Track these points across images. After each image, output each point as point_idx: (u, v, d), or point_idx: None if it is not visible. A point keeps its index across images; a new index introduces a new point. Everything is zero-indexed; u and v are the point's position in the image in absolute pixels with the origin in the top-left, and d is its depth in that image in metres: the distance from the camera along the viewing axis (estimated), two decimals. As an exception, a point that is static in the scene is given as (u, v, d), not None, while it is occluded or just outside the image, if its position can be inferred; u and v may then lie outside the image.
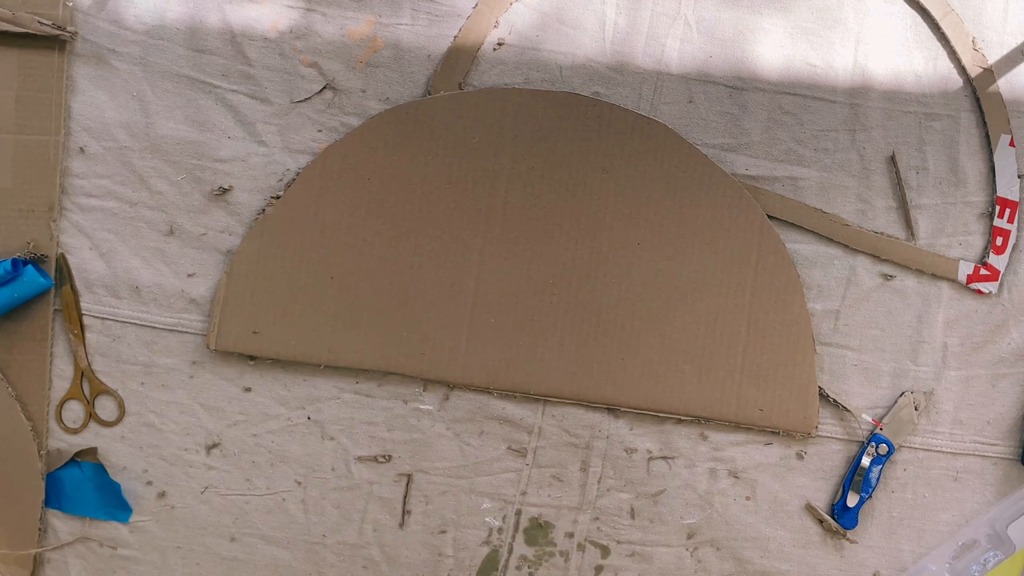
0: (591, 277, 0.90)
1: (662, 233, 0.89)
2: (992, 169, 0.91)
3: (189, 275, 0.90)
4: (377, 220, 0.89)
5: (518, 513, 0.93)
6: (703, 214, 0.89)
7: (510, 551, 0.94)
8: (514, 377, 0.90)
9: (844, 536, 0.93)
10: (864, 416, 0.92)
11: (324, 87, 0.89)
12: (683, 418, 0.91)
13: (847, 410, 0.91)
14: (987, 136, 0.90)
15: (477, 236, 0.89)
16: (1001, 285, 0.91)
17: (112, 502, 0.92)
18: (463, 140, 0.89)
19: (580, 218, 0.89)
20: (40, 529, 0.91)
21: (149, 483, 0.93)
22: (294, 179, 0.89)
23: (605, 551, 0.94)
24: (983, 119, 0.90)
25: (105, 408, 0.91)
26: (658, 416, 0.91)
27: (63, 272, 0.90)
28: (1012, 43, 0.90)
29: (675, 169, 0.89)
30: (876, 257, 0.91)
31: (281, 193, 0.89)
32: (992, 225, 0.91)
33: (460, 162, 0.89)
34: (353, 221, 0.89)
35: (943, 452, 0.93)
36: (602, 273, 0.90)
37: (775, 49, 0.90)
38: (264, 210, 0.89)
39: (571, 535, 0.94)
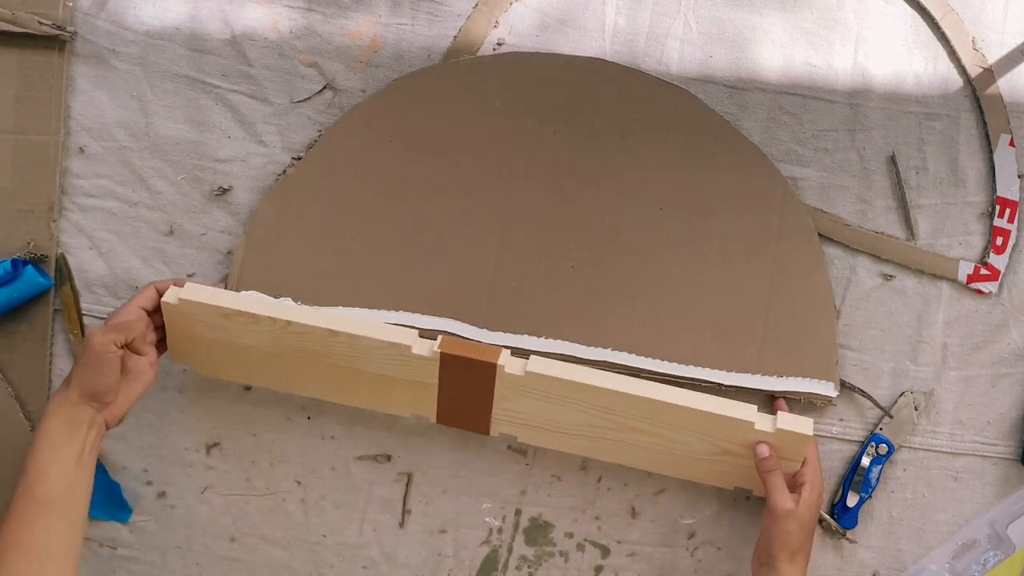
0: (613, 242, 0.89)
1: (684, 199, 0.89)
2: (992, 169, 0.90)
3: (189, 275, 0.90)
4: (398, 182, 0.89)
5: (518, 513, 0.93)
6: (725, 180, 0.89)
7: (510, 551, 0.94)
8: (534, 341, 0.89)
9: (844, 536, 0.93)
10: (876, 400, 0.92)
11: (324, 87, 0.89)
12: (704, 385, 0.90)
13: (865, 395, 0.91)
14: (987, 136, 0.90)
15: (499, 200, 0.89)
16: (1001, 285, 0.91)
17: (112, 502, 0.92)
18: (486, 104, 0.88)
19: (602, 183, 0.89)
20: (40, 529, 0.91)
21: (149, 483, 0.93)
22: (316, 140, 0.89)
23: (605, 551, 0.94)
24: (983, 119, 0.90)
25: (105, 408, 0.91)
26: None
27: (63, 272, 0.90)
28: (1012, 43, 0.90)
29: (698, 135, 0.89)
30: (876, 257, 0.91)
31: (302, 154, 0.89)
32: (992, 225, 0.91)
33: (483, 126, 0.89)
34: (374, 183, 0.89)
35: (943, 452, 0.93)
36: (624, 238, 0.89)
37: (775, 49, 0.90)
38: (285, 171, 0.89)
39: (571, 535, 0.94)
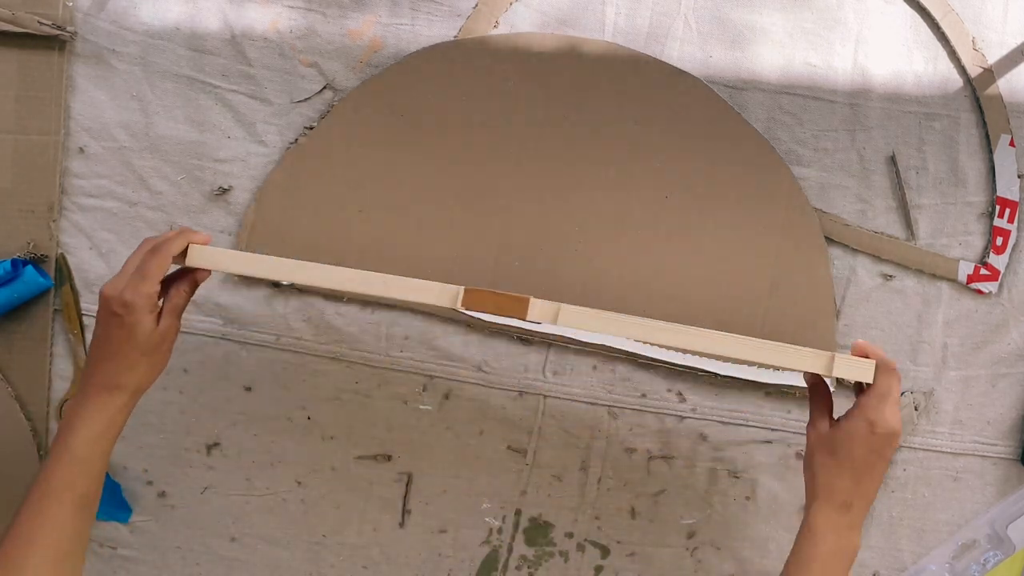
0: (617, 228, 0.90)
1: (691, 188, 0.89)
2: (992, 169, 0.91)
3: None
4: (408, 157, 0.89)
5: (518, 513, 0.93)
6: (732, 172, 0.89)
7: (510, 551, 0.94)
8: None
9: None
10: None
11: (324, 87, 0.89)
12: (700, 374, 0.90)
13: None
14: (987, 136, 0.90)
15: (506, 179, 0.90)
16: (1001, 285, 0.91)
17: (112, 502, 0.92)
18: (497, 83, 0.89)
19: (609, 168, 0.89)
20: (40, 529, 0.91)
21: (149, 483, 0.93)
22: (328, 110, 0.89)
23: (605, 551, 0.94)
24: (983, 119, 0.90)
25: (105, 408, 0.91)
26: (659, 413, 0.91)
27: (63, 272, 0.90)
28: (1012, 43, 0.90)
29: (707, 124, 0.89)
30: (876, 257, 0.91)
31: (315, 124, 0.89)
32: (992, 225, 0.91)
33: (492, 105, 0.89)
34: (384, 156, 0.89)
35: (943, 452, 0.93)
36: (629, 224, 0.90)
37: (775, 49, 0.90)
38: (297, 140, 0.89)
39: (571, 535, 0.94)
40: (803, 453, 0.91)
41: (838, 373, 0.71)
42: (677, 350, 0.90)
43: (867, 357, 0.73)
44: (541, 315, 0.72)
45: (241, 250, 0.89)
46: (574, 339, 0.90)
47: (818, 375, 0.75)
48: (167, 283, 0.74)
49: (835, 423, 0.73)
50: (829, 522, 0.71)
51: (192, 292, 0.76)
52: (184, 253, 0.73)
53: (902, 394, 0.92)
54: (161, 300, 0.74)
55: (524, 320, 0.72)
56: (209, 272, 0.77)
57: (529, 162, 0.89)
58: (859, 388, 0.74)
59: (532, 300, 0.72)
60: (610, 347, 0.89)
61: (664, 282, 0.90)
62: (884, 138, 0.90)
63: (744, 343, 0.72)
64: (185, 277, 0.76)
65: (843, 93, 0.90)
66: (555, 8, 0.89)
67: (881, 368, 0.72)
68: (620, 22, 0.89)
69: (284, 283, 0.89)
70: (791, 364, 0.73)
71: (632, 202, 0.90)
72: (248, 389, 0.92)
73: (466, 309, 0.73)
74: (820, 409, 0.75)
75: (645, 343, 0.75)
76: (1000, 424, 0.92)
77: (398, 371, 0.91)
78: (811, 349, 0.74)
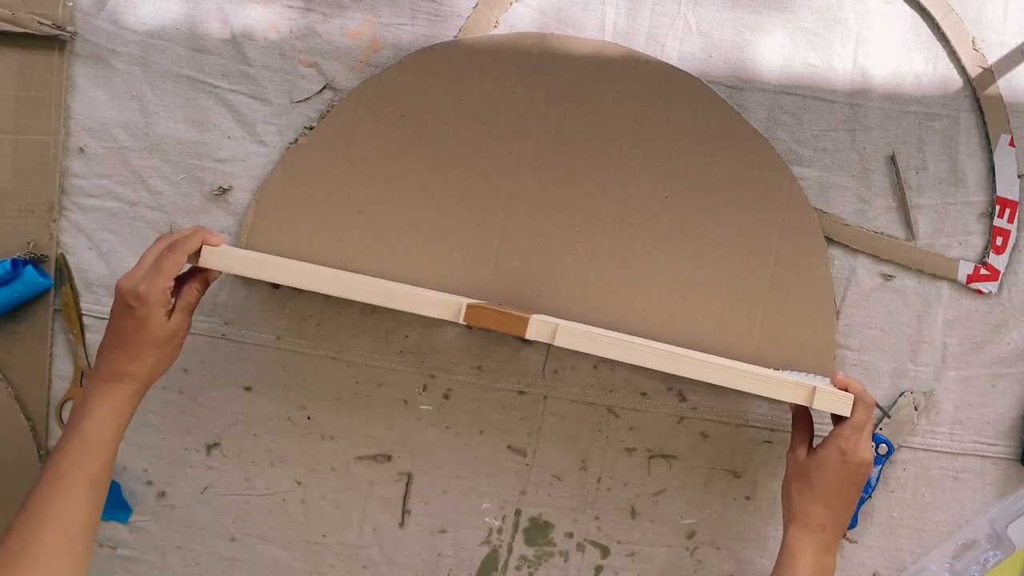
0: (617, 227, 0.90)
1: (690, 187, 0.89)
2: (992, 169, 0.91)
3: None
4: (408, 156, 0.89)
5: (518, 513, 0.93)
6: (732, 171, 0.89)
7: (510, 551, 0.94)
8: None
9: (844, 536, 0.93)
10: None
11: (324, 87, 0.89)
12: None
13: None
14: (987, 136, 0.90)
15: (506, 179, 0.90)
16: (1001, 285, 0.91)
17: (112, 502, 0.92)
18: (497, 82, 0.89)
19: (609, 167, 0.89)
20: (40, 529, 0.91)
21: (149, 483, 0.93)
22: (328, 110, 0.89)
23: (605, 551, 0.94)
24: (983, 119, 0.90)
25: (105, 408, 0.91)
26: (659, 413, 0.91)
27: (63, 272, 0.90)
28: (1012, 43, 0.90)
29: (707, 124, 0.89)
30: (876, 257, 0.91)
31: (315, 124, 0.89)
32: (992, 225, 0.91)
33: (492, 105, 0.89)
34: (384, 156, 0.89)
35: (943, 452, 0.93)
36: (628, 224, 0.90)
37: (775, 49, 0.90)
38: (296, 140, 0.89)
39: (571, 535, 0.94)
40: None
41: (819, 406, 0.76)
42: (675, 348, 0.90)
43: (847, 390, 0.78)
44: (539, 334, 0.76)
45: (241, 247, 0.89)
46: None
47: (800, 417, 0.81)
48: (179, 281, 0.76)
49: (811, 451, 0.79)
50: (805, 540, 0.77)
51: (204, 290, 0.78)
52: (198, 253, 0.76)
53: (901, 394, 0.92)
54: (174, 298, 0.75)
55: (524, 338, 0.76)
56: (220, 272, 0.78)
57: (529, 162, 0.89)
58: (836, 417, 0.79)
59: (531, 319, 0.75)
60: None
61: (664, 282, 0.90)
62: (884, 138, 0.90)
63: (732, 372, 0.77)
64: (197, 276, 0.78)
65: (843, 93, 0.90)
66: (555, 8, 0.89)
67: (859, 402, 0.77)
68: (620, 22, 0.89)
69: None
70: (774, 394, 0.77)
71: (632, 202, 0.90)
72: (248, 389, 0.92)
73: (468, 324, 0.76)
74: (801, 437, 0.81)
75: (638, 365, 0.78)
76: (1000, 424, 0.92)
77: (398, 371, 0.91)
78: (795, 379, 0.78)
